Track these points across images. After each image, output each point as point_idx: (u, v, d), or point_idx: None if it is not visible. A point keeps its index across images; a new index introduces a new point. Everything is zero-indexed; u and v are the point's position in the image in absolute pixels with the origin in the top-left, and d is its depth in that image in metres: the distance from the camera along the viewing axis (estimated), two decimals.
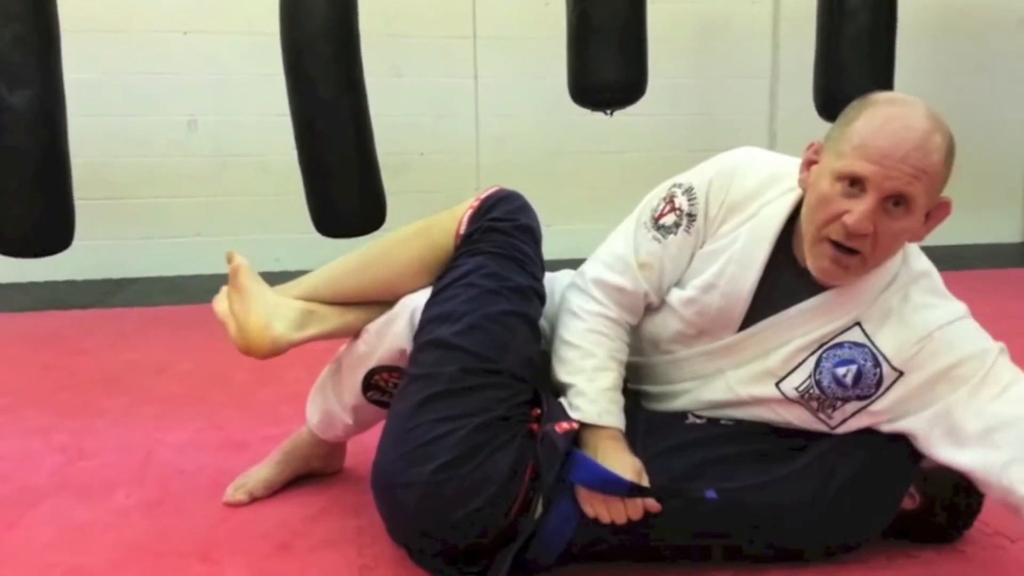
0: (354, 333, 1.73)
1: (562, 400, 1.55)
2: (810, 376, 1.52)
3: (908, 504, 1.58)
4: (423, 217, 1.73)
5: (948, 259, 5.24)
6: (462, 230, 1.65)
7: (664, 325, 1.64)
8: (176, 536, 1.70)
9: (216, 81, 4.56)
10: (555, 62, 4.02)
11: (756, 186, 1.54)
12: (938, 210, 1.41)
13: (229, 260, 1.70)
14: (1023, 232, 5.67)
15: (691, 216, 1.57)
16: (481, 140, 4.90)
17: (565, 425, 1.49)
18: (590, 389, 1.53)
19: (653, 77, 3.89)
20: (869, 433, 1.54)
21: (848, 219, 1.35)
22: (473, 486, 1.43)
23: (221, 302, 1.68)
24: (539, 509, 1.45)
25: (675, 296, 1.61)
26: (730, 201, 1.54)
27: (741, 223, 1.54)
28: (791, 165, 1.55)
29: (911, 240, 1.45)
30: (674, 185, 1.61)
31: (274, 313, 1.66)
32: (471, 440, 1.44)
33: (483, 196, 1.69)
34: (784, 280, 1.53)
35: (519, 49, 4.84)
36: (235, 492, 1.84)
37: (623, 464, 1.47)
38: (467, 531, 1.45)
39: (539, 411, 1.54)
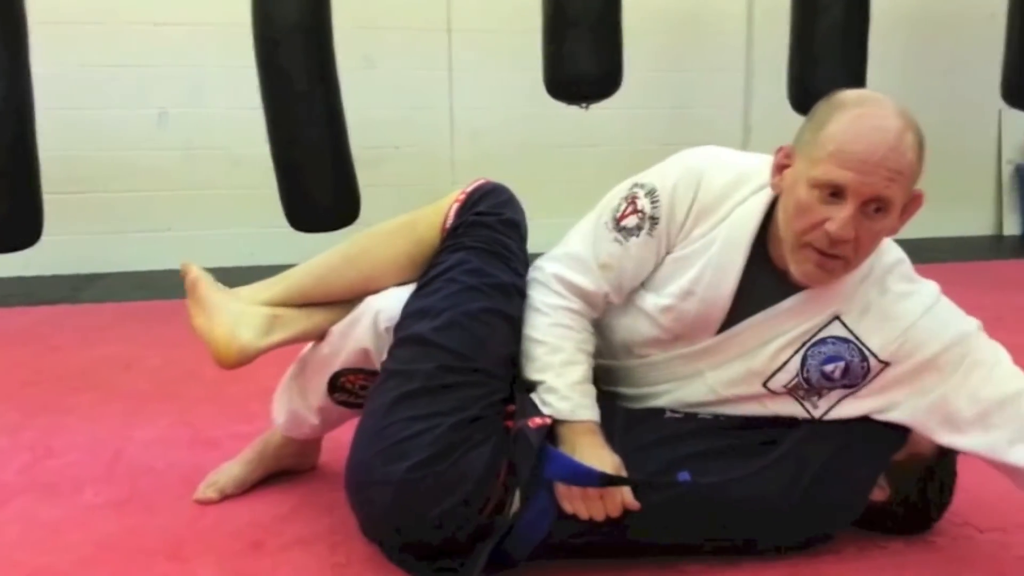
0: (321, 335, 1.71)
1: (534, 397, 1.54)
2: (797, 374, 1.54)
3: (878, 495, 1.58)
4: (397, 211, 1.72)
5: (921, 252, 5.28)
6: (448, 224, 1.65)
7: (637, 330, 1.63)
8: (145, 534, 1.68)
9: (187, 73, 4.52)
10: (530, 55, 4.01)
11: (725, 187, 1.52)
12: (912, 203, 1.42)
13: (184, 273, 1.69)
14: (994, 225, 5.72)
15: (654, 219, 1.53)
16: (456, 133, 4.88)
17: (538, 420, 1.48)
18: (560, 385, 1.51)
19: (628, 71, 3.89)
20: (841, 424, 1.55)
21: (830, 227, 1.35)
22: (448, 484, 1.42)
23: (192, 319, 1.67)
24: (516, 504, 1.45)
25: (650, 303, 1.58)
26: (700, 206, 1.52)
27: (713, 226, 1.52)
28: (755, 162, 1.55)
29: (887, 235, 1.46)
30: (636, 185, 1.58)
31: (238, 321, 1.64)
32: (446, 439, 1.43)
33: (469, 189, 1.69)
34: (761, 281, 1.52)
35: (494, 42, 4.82)
36: (206, 490, 1.82)
37: (601, 460, 1.46)
38: (442, 529, 1.44)
39: (513, 407, 1.53)
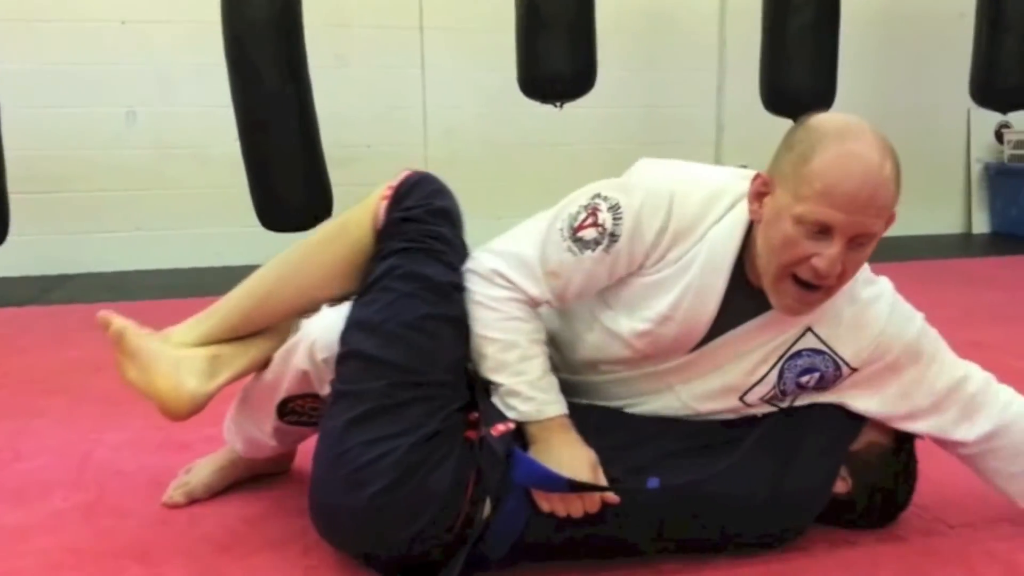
0: (266, 364, 1.66)
1: (496, 401, 1.50)
2: (774, 387, 1.55)
3: (840, 487, 1.59)
4: None
5: (891, 250, 5.34)
6: (379, 224, 1.61)
7: (605, 350, 1.58)
8: (115, 538, 1.66)
9: (156, 72, 4.48)
10: (504, 54, 4.01)
11: (699, 208, 1.48)
12: (888, 221, 1.43)
13: (106, 325, 1.59)
14: (963, 223, 5.79)
15: (613, 236, 1.46)
16: (429, 132, 4.87)
17: (501, 427, 1.45)
18: (521, 385, 1.47)
19: (602, 70, 3.90)
20: (802, 414, 1.58)
21: (818, 263, 1.34)
22: (415, 507, 1.39)
23: (124, 373, 1.59)
24: (487, 510, 1.43)
25: (624, 326, 1.53)
26: (675, 228, 1.47)
27: (689, 248, 1.48)
28: (722, 176, 1.53)
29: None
30: (598, 196, 1.50)
31: (180, 368, 1.59)
32: (406, 461, 1.40)
33: (395, 184, 1.65)
34: (737, 300, 1.49)
35: (467, 40, 4.82)
36: (174, 492, 1.80)
37: (577, 457, 1.44)
38: (411, 549, 1.42)
39: (476, 415, 1.50)
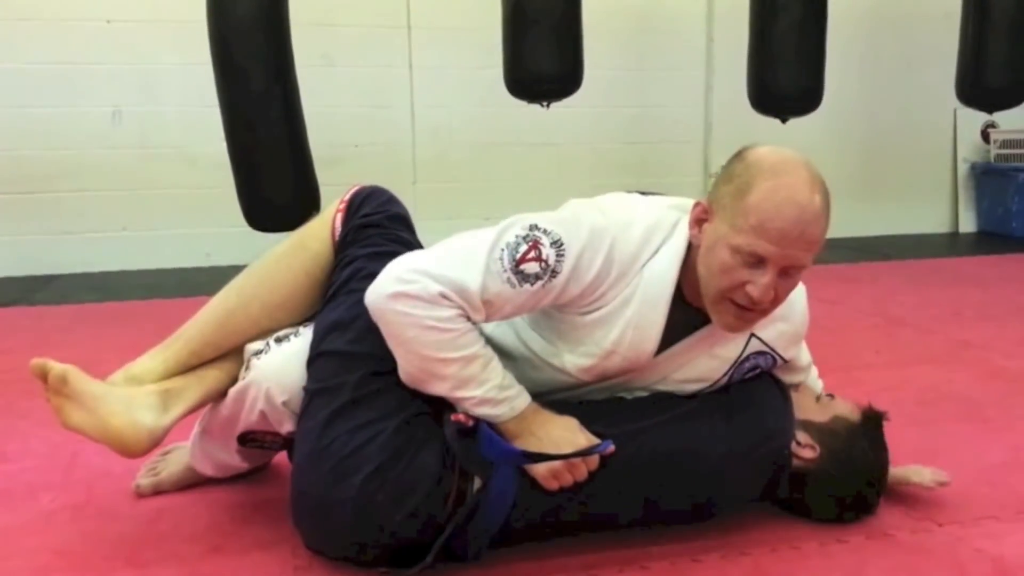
0: (221, 393, 1.67)
1: (464, 412, 1.49)
2: (724, 385, 1.67)
3: (807, 453, 1.62)
4: None
5: (879, 249, 5.36)
6: (336, 236, 1.64)
7: (553, 384, 1.62)
8: (103, 540, 1.65)
9: (141, 71, 4.46)
10: (491, 53, 4.01)
11: (637, 247, 1.51)
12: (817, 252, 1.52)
13: (43, 372, 1.53)
14: (950, 222, 5.82)
15: (554, 273, 1.47)
16: (417, 132, 4.86)
17: (462, 416, 1.48)
18: (491, 391, 1.48)
19: (589, 69, 3.90)
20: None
21: (752, 291, 1.43)
22: (406, 487, 1.42)
23: (67, 418, 1.54)
24: (477, 483, 1.46)
25: (568, 362, 1.57)
26: (618, 269, 1.50)
27: (627, 283, 1.52)
28: (656, 211, 1.56)
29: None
30: (536, 228, 1.49)
31: (132, 405, 1.57)
32: (393, 443, 1.43)
33: (347, 197, 1.70)
34: (676, 319, 1.55)
35: (454, 39, 4.81)
36: (143, 479, 1.82)
37: (565, 427, 1.50)
38: (407, 532, 1.43)
39: None
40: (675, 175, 5.11)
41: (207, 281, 2.68)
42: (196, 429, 1.78)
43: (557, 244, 1.48)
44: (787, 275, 1.45)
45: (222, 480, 1.85)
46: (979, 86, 4.15)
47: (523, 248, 1.47)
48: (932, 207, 5.76)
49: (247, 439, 1.67)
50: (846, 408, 1.70)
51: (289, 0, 3.43)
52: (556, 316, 1.57)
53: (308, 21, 3.92)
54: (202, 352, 1.66)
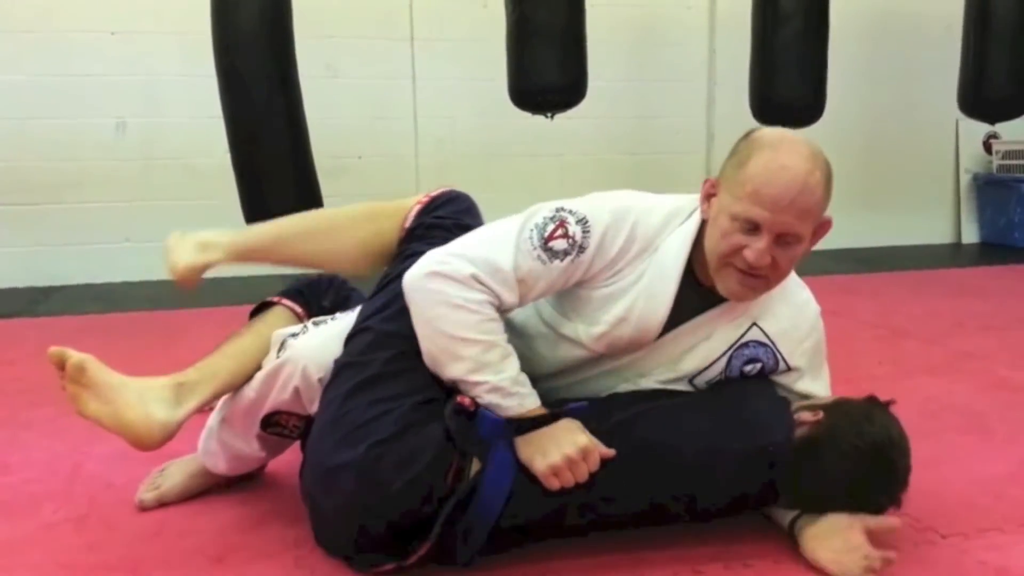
0: (230, 390, 1.73)
1: (477, 398, 1.53)
2: (721, 372, 1.68)
3: (810, 417, 1.58)
4: None
5: (881, 260, 5.36)
6: (407, 224, 1.71)
7: (564, 358, 1.68)
8: (106, 551, 1.65)
9: (145, 82, 4.48)
10: (494, 64, 4.02)
11: (657, 228, 1.61)
12: (821, 227, 1.58)
13: (62, 359, 1.58)
14: (953, 233, 5.82)
15: (582, 249, 1.57)
16: (420, 143, 4.87)
17: (467, 400, 1.52)
18: (504, 381, 1.52)
19: (592, 80, 3.91)
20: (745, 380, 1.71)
21: (748, 255, 1.51)
22: (409, 455, 1.46)
23: (83, 407, 1.59)
24: (476, 466, 1.48)
25: (582, 333, 1.63)
26: (638, 246, 1.60)
27: (643, 261, 1.60)
28: (676, 201, 1.66)
29: (802, 257, 1.59)
30: (563, 209, 1.59)
31: (145, 398, 1.62)
32: (406, 419, 1.48)
33: (433, 194, 1.76)
34: (687, 298, 1.62)
35: (457, 51, 4.82)
36: (145, 494, 1.82)
37: (564, 428, 1.51)
38: (408, 500, 1.45)
39: None
40: (677, 185, 5.05)
41: (209, 292, 2.69)
42: (212, 422, 1.80)
43: (583, 222, 1.57)
44: (785, 243, 1.51)
45: (224, 491, 1.86)
46: (981, 97, 4.16)
47: (551, 227, 1.57)
48: (934, 218, 5.76)
49: (270, 422, 1.70)
50: (855, 398, 1.66)
51: (293, 11, 3.44)
52: (574, 292, 1.64)
53: (311, 32, 3.94)
54: (265, 250, 1.81)
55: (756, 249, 1.50)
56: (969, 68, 4.17)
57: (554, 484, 1.48)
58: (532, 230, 1.57)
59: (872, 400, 1.64)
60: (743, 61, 4.29)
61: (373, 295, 1.67)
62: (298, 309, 1.82)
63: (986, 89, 4.13)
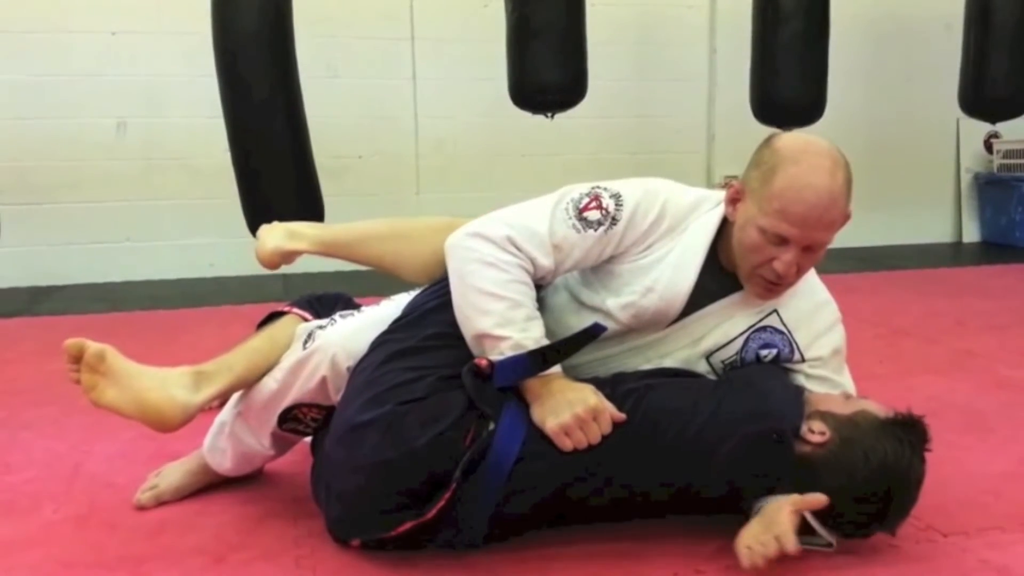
0: (245, 385, 1.75)
1: (493, 352, 1.57)
2: (737, 353, 1.73)
3: (816, 439, 1.52)
4: (361, 220, 1.83)
5: (883, 259, 5.36)
6: None
7: None
8: (107, 551, 1.65)
9: (146, 82, 4.48)
10: (494, 64, 4.02)
11: (687, 210, 1.70)
12: (842, 223, 1.62)
13: (79, 350, 1.62)
14: (954, 232, 5.82)
15: (615, 220, 1.66)
16: (421, 143, 4.87)
17: (483, 362, 1.57)
18: (527, 340, 1.57)
19: (592, 80, 3.91)
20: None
21: (777, 266, 1.59)
22: (434, 414, 1.51)
23: (100, 395, 1.62)
24: (491, 427, 1.52)
25: (610, 303, 1.69)
26: (668, 223, 1.68)
27: (673, 237, 1.69)
28: (702, 191, 1.76)
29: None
30: (598, 187, 1.70)
31: (166, 383, 1.66)
32: (435, 387, 1.54)
33: None
34: (709, 282, 1.69)
35: (458, 51, 4.83)
36: (143, 495, 1.82)
37: (579, 389, 1.55)
38: (430, 457, 1.48)
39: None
40: None
41: (210, 292, 2.71)
42: (224, 417, 1.82)
43: (616, 197, 1.68)
44: (810, 251, 1.59)
45: (224, 490, 1.86)
46: (982, 96, 4.17)
47: (586, 200, 1.68)
48: (935, 217, 5.76)
49: (289, 415, 1.72)
50: (877, 407, 1.58)
51: (293, 11, 3.44)
52: (604, 267, 1.71)
53: (312, 32, 3.94)
54: (347, 245, 1.88)
55: (785, 261, 1.58)
56: (970, 67, 4.17)
57: (566, 444, 1.50)
58: (569, 203, 1.67)
59: (900, 421, 1.54)
60: (743, 61, 4.29)
61: (424, 290, 1.73)
62: (309, 318, 1.82)
63: (987, 88, 4.13)
